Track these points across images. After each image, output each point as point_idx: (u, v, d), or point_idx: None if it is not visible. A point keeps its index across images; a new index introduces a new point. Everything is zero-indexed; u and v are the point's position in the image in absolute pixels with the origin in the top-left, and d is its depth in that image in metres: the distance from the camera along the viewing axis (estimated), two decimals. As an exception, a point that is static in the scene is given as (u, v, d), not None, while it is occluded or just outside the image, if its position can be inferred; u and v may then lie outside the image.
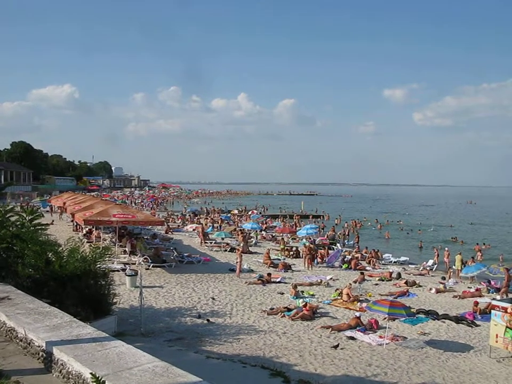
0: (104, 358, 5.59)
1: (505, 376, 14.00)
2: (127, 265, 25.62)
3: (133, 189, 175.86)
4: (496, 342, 15.39)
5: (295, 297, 22.02)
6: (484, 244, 48.77)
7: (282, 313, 18.92)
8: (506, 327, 15.03)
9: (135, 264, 26.78)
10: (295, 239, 45.72)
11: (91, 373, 4.83)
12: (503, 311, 15.19)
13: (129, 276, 22.00)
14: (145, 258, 27.23)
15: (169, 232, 45.54)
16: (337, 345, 15.28)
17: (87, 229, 35.87)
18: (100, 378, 4.67)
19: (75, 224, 40.01)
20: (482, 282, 28.49)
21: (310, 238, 42.13)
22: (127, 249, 29.29)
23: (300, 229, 47.92)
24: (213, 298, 20.72)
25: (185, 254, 30.71)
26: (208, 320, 17.24)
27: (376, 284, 27.14)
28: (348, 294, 21.92)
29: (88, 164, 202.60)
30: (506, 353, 15.59)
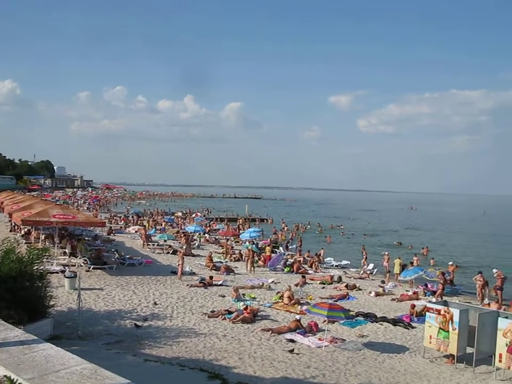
0: (31, 361, 5.40)
1: (436, 375, 14.41)
2: (66, 267, 25.03)
3: (75, 189, 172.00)
4: (430, 343, 15.82)
5: (236, 300, 21.99)
6: (423, 248, 50.04)
7: (223, 316, 18.87)
8: (439, 328, 15.46)
9: (75, 266, 26.18)
10: (238, 242, 45.75)
11: (5, 376, 4.64)
12: (437, 313, 15.61)
13: (68, 277, 21.48)
14: (85, 260, 26.66)
15: (111, 234, 44.74)
16: (293, 350, 15.25)
17: (25, 229, 34.89)
18: (15, 381, 4.49)
19: (13, 224, 38.82)
20: (419, 286, 29.17)
21: (253, 241, 42.20)
22: (67, 250, 28.62)
23: (243, 232, 47.97)
24: (155, 303, 20.42)
25: (127, 256, 30.28)
26: (136, 324, 16.91)
27: (323, 288, 27.42)
28: (289, 297, 22.05)
29: (29, 163, 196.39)
30: (439, 354, 16.05)
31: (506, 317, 14.94)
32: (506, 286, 27.36)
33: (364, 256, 38.46)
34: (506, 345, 14.05)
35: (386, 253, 37.96)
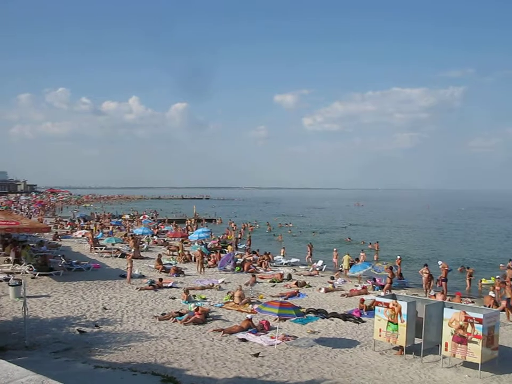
0: (-28, 376, 5.19)
1: (387, 367, 14.73)
2: (10, 275, 24.36)
3: (18, 195, 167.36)
4: (380, 336, 16.13)
5: (186, 301, 21.88)
6: (370, 243, 51.04)
7: (174, 318, 18.74)
8: (388, 321, 15.78)
9: (19, 273, 25.50)
10: (187, 243, 45.48)
11: None
12: (386, 306, 15.93)
13: (12, 286, 20.92)
14: (30, 267, 25.98)
15: (57, 239, 43.79)
16: (258, 354, 15.20)
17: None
18: None
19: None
20: (368, 281, 29.70)
21: (202, 242, 42.07)
22: (11, 257, 27.79)
23: (192, 233, 47.76)
24: (105, 308, 20.08)
25: (74, 261, 29.72)
26: (79, 330, 16.59)
27: (273, 286, 27.55)
28: (239, 297, 22.07)
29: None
30: (389, 346, 16.39)
31: (451, 307, 15.43)
32: (450, 277, 28.20)
33: (308, 253, 39.23)
34: (452, 334, 14.52)
35: (335, 249, 38.57)
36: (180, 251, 37.50)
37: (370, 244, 50.70)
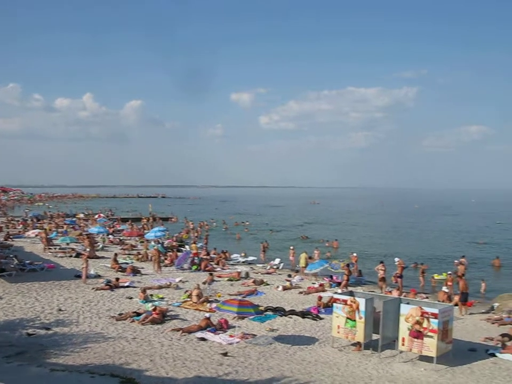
0: None
1: (345, 363, 14.89)
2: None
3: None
4: (338, 332, 16.27)
5: (144, 301, 21.66)
6: (328, 241, 51.68)
7: (132, 318, 18.51)
8: (347, 318, 15.95)
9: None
10: (143, 242, 45.04)
11: None
12: (344, 303, 16.09)
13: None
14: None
15: (9, 239, 42.67)
16: (226, 353, 15.08)
17: None
18: None
19: None
20: (325, 278, 29.98)
21: (158, 241, 41.71)
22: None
23: (148, 232, 47.31)
24: (60, 309, 19.66)
25: (27, 262, 28.96)
26: (28, 333, 16.20)
27: (231, 285, 27.51)
28: (197, 296, 21.96)
29: None
30: (347, 342, 16.57)
31: (408, 303, 15.74)
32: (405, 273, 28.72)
33: (262, 251, 39.73)
34: (408, 329, 14.80)
35: (292, 247, 38.80)
36: (143, 250, 37.15)
37: (328, 241, 51.35)
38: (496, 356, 16.14)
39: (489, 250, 48.37)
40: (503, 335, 17.99)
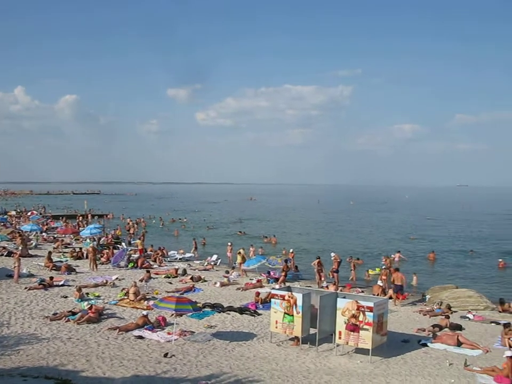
0: None
1: (284, 358, 15.03)
2: None
3: None
4: (276, 327, 16.40)
5: (79, 300, 21.19)
6: (266, 237, 52.08)
7: (67, 318, 18.06)
8: (284, 313, 16.10)
9: None
10: (78, 239, 44.06)
11: None
12: (281, 298, 16.23)
13: None
14: None
15: None
16: (167, 354, 14.79)
17: None
18: None
19: None
20: (262, 274, 30.18)
21: (94, 238, 40.92)
22: None
23: (83, 229, 46.30)
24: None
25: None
26: None
27: (169, 282, 27.25)
28: (134, 293, 21.69)
29: None
30: (285, 337, 16.75)
31: (344, 297, 16.04)
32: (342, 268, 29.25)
33: (194, 247, 40.16)
34: (345, 323, 15.08)
35: (229, 243, 38.86)
36: (78, 247, 36.41)
37: (266, 237, 51.77)
38: (427, 346, 16.76)
39: (421, 245, 49.95)
40: (434, 326, 18.72)
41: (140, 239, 40.31)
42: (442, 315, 20.70)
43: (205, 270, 32.56)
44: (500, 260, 38.19)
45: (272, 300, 16.85)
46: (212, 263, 35.13)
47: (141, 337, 16.39)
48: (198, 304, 19.46)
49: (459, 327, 19.06)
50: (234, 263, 33.85)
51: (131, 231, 52.86)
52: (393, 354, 15.48)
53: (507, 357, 13.84)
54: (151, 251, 37.46)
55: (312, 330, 16.16)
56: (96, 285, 24.98)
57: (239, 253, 32.73)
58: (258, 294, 22.80)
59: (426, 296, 25.07)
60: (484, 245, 51.01)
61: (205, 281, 27.92)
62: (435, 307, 22.63)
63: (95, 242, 36.98)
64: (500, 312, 22.62)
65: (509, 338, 16.94)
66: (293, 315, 15.93)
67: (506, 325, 17.77)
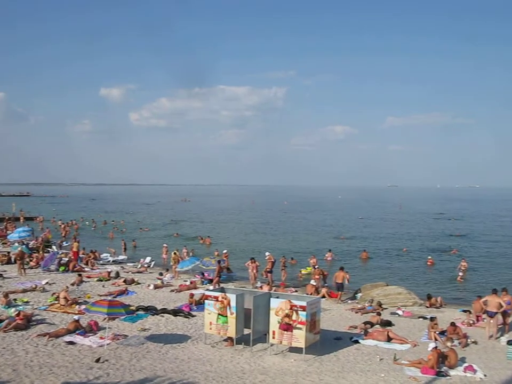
0: None
1: (218, 359, 15.03)
2: None
3: None
4: (210, 329, 16.39)
5: (6, 306, 20.43)
6: (202, 238, 51.94)
7: (-8, 326, 17.41)
8: (218, 314, 16.10)
9: None
10: (6, 243, 42.57)
11: None
12: (215, 300, 16.22)
13: None
14: None
15: None
16: (99, 359, 14.40)
17: None
18: None
19: None
20: (196, 275, 30.06)
21: (23, 242, 39.60)
22: None
23: (12, 233, 44.77)
24: None
25: None
26: None
27: (102, 285, 26.72)
28: (65, 298, 21.15)
29: None
30: (219, 338, 16.76)
31: (278, 297, 16.20)
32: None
33: (123, 248, 40.09)
34: (278, 322, 15.24)
35: (165, 245, 38.58)
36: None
37: (202, 239, 51.63)
38: (359, 343, 17.22)
39: (353, 245, 51.03)
40: (365, 323, 19.20)
41: (76, 241, 39.29)
42: (374, 312, 21.29)
43: (138, 272, 32.15)
44: (429, 257, 39.51)
45: (205, 301, 16.84)
46: (146, 265, 34.71)
47: (72, 342, 16.00)
48: (131, 307, 19.25)
49: (389, 323, 19.66)
50: (170, 265, 33.57)
51: (63, 234, 51.46)
52: (326, 352, 15.77)
53: (432, 348, 14.48)
54: (83, 254, 36.58)
55: (246, 331, 16.25)
56: (24, 290, 24.19)
57: (174, 253, 32.45)
58: (192, 295, 22.71)
59: (358, 294, 25.63)
60: (414, 243, 52.56)
61: (139, 283, 27.54)
62: (366, 305, 23.19)
63: (24, 246, 35.77)
64: (427, 307, 23.43)
65: (435, 332, 17.68)
66: (226, 316, 15.95)
67: (432, 319, 18.49)
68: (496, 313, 18.15)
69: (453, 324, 18.14)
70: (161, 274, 30.32)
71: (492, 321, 18.33)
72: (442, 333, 17.88)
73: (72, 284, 25.21)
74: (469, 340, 17.62)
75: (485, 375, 14.05)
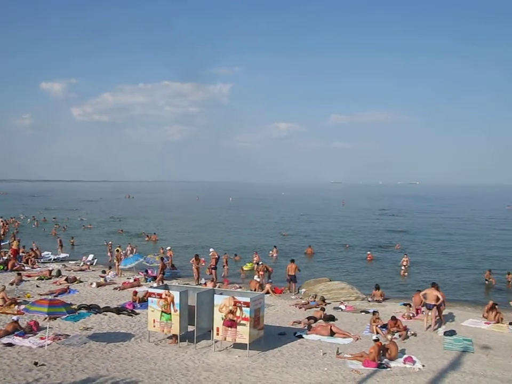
0: None
1: (162, 357, 14.95)
2: None
3: None
4: (154, 326, 16.30)
5: None
6: (148, 235, 51.48)
7: None
8: (162, 311, 16.02)
9: None
10: None
11: None
12: (158, 297, 16.13)
13: None
14: None
15: None
16: (37, 363, 13.88)
17: None
18: None
19: None
20: (140, 272, 29.77)
21: None
22: None
23: None
24: None
25: None
26: None
27: (37, 286, 26.04)
28: (3, 298, 20.55)
29: None
30: (163, 336, 16.68)
31: (221, 293, 16.22)
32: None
33: (58, 245, 39.35)
34: (222, 319, 15.28)
35: (110, 242, 38.08)
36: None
37: (148, 236, 51.13)
38: (303, 337, 17.45)
39: (295, 241, 51.56)
40: (309, 318, 19.49)
41: (15, 239, 38.11)
42: (317, 307, 21.60)
43: (80, 270, 31.58)
44: (368, 252, 40.34)
45: (149, 298, 16.70)
46: (88, 263, 34.14)
47: (10, 344, 15.55)
48: (73, 306, 18.93)
49: (332, 318, 20.01)
50: (114, 263, 33.11)
51: (2, 232, 49.87)
52: (270, 347, 15.92)
53: (373, 341, 14.86)
54: (22, 252, 35.58)
55: (190, 328, 16.23)
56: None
57: (117, 251, 31.99)
58: (135, 293, 22.48)
59: (302, 290, 25.95)
60: (357, 239, 53.52)
61: (81, 282, 27.08)
62: (310, 300, 23.50)
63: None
64: (368, 301, 23.99)
65: (376, 325, 18.11)
66: (170, 313, 15.89)
67: (374, 313, 18.96)
68: (434, 305, 18.82)
69: (393, 318, 18.60)
70: (104, 272, 29.88)
71: (430, 313, 19.04)
72: (383, 326, 18.34)
73: (11, 283, 24.55)
74: (409, 332, 18.19)
75: (423, 365, 14.55)
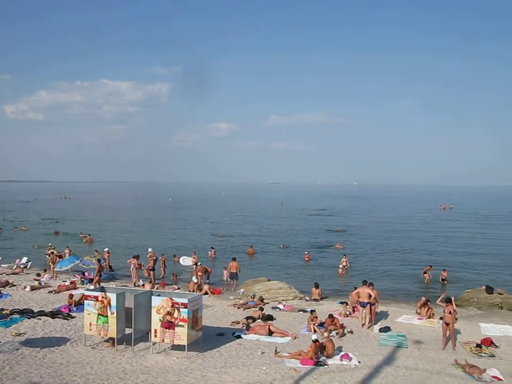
0: None
1: (99, 361, 14.66)
2: None
3: None
4: (90, 330, 15.95)
5: None
6: (85, 236, 50.46)
7: None
8: (98, 314, 15.72)
9: None
10: None
11: None
12: (95, 299, 15.82)
13: None
14: None
15: None
16: None
17: None
18: None
19: None
20: (76, 275, 29.15)
21: None
22: None
23: None
24: None
25: None
26: None
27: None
28: None
29: None
30: (100, 339, 16.37)
31: (159, 295, 16.06)
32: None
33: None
34: (160, 320, 15.16)
35: (50, 244, 37.17)
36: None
37: (85, 237, 50.18)
38: (241, 337, 17.54)
39: (235, 241, 51.72)
40: (247, 318, 19.62)
41: None
42: (256, 307, 21.73)
43: (13, 273, 30.59)
44: (306, 252, 40.84)
45: (85, 301, 16.35)
46: (22, 266, 33.12)
47: None
48: (5, 311, 18.39)
49: (270, 318, 20.19)
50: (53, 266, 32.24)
51: None
52: (209, 348, 15.91)
53: (313, 341, 15.10)
54: None
55: (128, 330, 16.00)
56: None
57: (52, 253, 31.17)
58: (71, 296, 21.99)
59: (240, 290, 26.04)
60: (295, 238, 54.09)
61: (13, 285, 26.26)
62: (248, 300, 23.62)
63: None
64: (306, 300, 24.34)
65: (314, 324, 18.42)
66: (107, 316, 15.61)
67: (312, 312, 19.29)
68: (368, 303, 19.29)
69: (330, 316, 18.93)
70: (38, 275, 29.06)
71: (364, 310, 19.51)
72: (321, 324, 18.66)
73: None
74: (345, 330, 18.58)
75: (359, 362, 14.90)
